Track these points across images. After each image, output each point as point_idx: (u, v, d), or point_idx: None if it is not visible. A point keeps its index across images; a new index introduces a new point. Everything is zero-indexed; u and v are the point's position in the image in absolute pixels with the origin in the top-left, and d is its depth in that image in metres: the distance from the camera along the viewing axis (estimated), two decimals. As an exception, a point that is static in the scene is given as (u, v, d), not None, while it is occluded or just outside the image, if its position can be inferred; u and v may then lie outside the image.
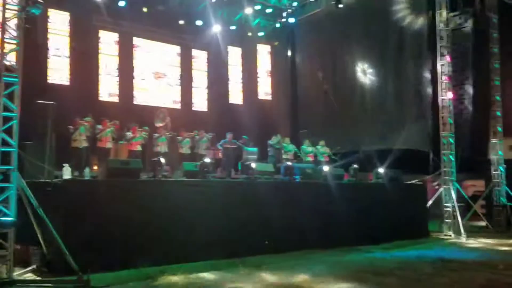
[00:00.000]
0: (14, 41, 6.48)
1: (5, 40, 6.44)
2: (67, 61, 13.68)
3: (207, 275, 6.89)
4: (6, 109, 6.35)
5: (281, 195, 9.23)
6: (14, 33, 6.49)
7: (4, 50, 6.40)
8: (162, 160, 8.90)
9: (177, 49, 16.26)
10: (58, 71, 13.53)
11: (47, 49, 13.39)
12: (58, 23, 13.68)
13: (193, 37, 16.27)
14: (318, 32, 16.58)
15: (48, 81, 13.35)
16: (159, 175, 8.46)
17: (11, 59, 6.58)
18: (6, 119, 6.33)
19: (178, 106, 16.00)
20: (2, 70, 6.27)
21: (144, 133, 11.33)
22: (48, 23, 13.42)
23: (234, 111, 16.78)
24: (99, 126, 10.62)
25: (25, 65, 12.06)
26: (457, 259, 8.57)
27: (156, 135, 11.79)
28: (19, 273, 6.47)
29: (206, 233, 7.94)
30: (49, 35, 13.46)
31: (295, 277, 6.86)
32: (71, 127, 10.09)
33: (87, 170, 9.65)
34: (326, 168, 10.84)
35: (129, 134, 11.16)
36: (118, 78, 14.68)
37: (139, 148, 11.05)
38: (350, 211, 9.95)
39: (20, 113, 8.93)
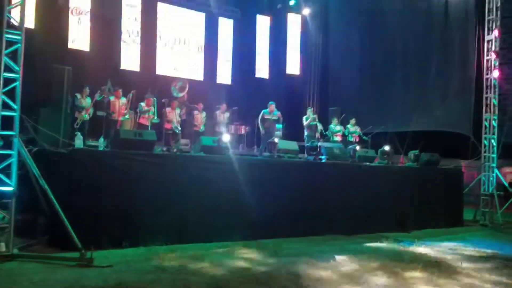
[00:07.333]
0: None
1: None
2: (87, 26, 13.13)
3: (216, 258, 6.37)
4: (8, 70, 5.85)
5: (304, 176, 8.58)
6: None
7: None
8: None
9: (202, 16, 15.46)
10: (79, 36, 13.00)
11: (68, 12, 12.86)
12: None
13: (219, 4, 15.44)
14: (354, 2, 15.42)
15: (69, 46, 12.89)
16: (174, 149, 7.90)
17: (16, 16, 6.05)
18: (8, 82, 5.84)
19: (200, 77, 15.31)
20: (3, 26, 5.74)
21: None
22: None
23: (260, 85, 15.99)
24: (112, 98, 10.03)
25: (46, 30, 11.87)
26: (500, 254, 7.70)
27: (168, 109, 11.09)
28: (21, 246, 6.12)
29: (222, 213, 7.42)
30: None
31: (318, 268, 6.25)
32: (77, 94, 9.61)
33: (101, 139, 9.22)
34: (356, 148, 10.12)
35: (143, 106, 10.54)
36: (139, 46, 14.06)
37: (150, 122, 10.43)
38: (378, 195, 9.28)
39: (36, 78, 8.60)
